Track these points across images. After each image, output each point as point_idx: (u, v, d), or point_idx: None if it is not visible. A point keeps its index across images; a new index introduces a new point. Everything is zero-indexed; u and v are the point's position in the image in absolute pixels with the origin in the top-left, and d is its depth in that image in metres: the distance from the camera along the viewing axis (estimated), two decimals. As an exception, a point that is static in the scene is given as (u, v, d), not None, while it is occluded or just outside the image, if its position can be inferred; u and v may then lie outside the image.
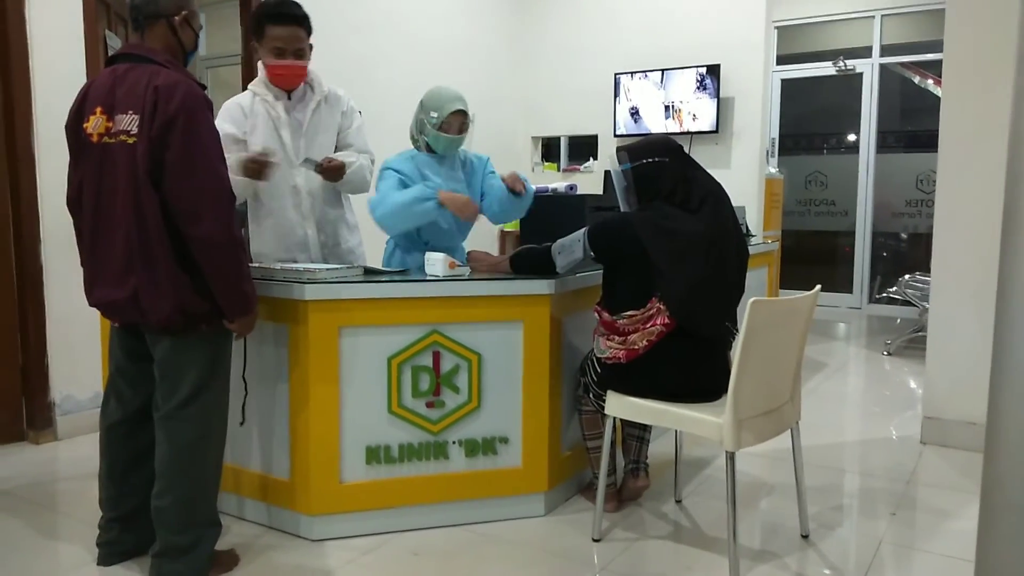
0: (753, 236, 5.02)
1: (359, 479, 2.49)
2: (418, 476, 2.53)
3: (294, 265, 2.69)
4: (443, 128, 2.85)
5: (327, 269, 2.54)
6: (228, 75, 6.23)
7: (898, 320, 6.89)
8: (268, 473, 2.56)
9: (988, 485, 0.66)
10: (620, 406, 2.40)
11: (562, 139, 6.90)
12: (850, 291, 7.60)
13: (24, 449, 3.38)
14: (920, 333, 5.42)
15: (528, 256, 2.62)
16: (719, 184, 2.45)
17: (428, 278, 2.57)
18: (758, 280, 4.79)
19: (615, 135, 6.37)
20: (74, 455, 3.31)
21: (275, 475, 2.54)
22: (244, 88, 4.51)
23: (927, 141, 7.01)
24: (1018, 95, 0.70)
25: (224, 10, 5.83)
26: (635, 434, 2.76)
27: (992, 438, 0.65)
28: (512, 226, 5.11)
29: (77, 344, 3.48)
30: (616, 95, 6.27)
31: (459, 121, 2.87)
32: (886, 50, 7.29)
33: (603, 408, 2.47)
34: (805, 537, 2.53)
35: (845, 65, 7.43)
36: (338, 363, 2.43)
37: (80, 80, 3.53)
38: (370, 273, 2.64)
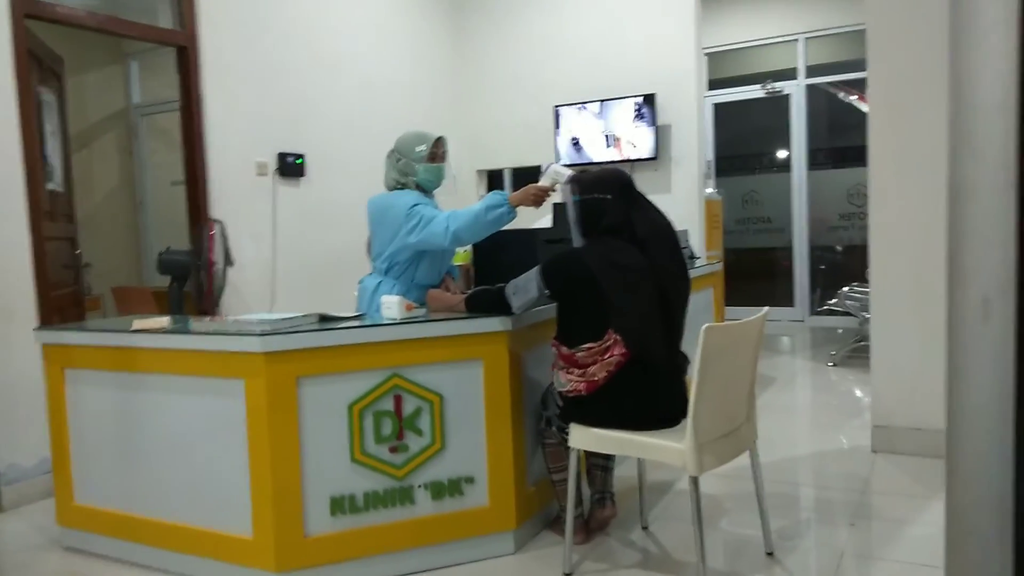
0: (698, 259, 5.13)
1: (324, 531, 2.44)
2: (385, 524, 2.50)
3: (247, 316, 2.65)
4: (432, 158, 3.04)
5: (281, 319, 2.51)
6: (165, 122, 6.13)
7: (839, 331, 7.11)
8: (228, 532, 2.49)
9: (951, 514, 0.69)
10: (584, 438, 2.42)
11: (506, 171, 6.97)
12: (792, 304, 7.81)
13: (-35, 523, 3.23)
14: (862, 343, 5.60)
15: (483, 297, 2.64)
16: (665, 218, 2.52)
17: (385, 322, 2.56)
18: (704, 301, 4.89)
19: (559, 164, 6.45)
20: (22, 526, 3.17)
21: (236, 533, 2.47)
22: (182, 134, 4.48)
23: (855, 156, 7.30)
24: (954, 92, 0.74)
25: (159, 57, 5.76)
26: (600, 464, 2.78)
27: (952, 466, 0.68)
28: (463, 258, 5.13)
29: (20, 409, 3.35)
30: (557, 126, 6.38)
31: (442, 149, 3.10)
32: (811, 71, 7.60)
33: (567, 440, 2.49)
34: (770, 555, 2.58)
35: (773, 87, 7.71)
36: (297, 414, 2.40)
37: (12, 135, 3.44)
38: (326, 320, 2.62)
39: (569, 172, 2.74)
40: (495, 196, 2.85)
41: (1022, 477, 0.66)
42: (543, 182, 2.84)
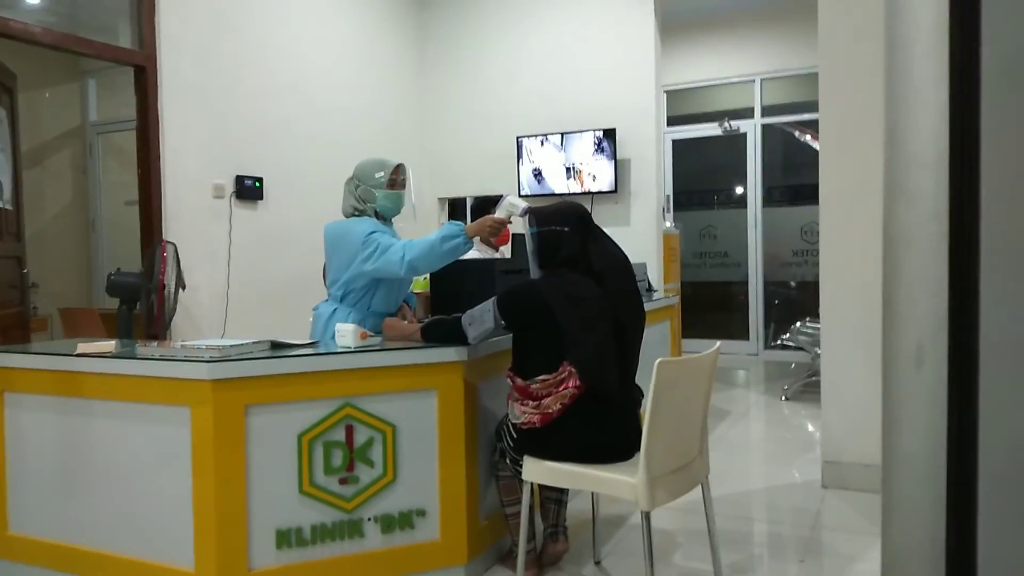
0: (655, 291, 5.18)
1: (269, 565, 2.38)
2: (332, 557, 2.44)
3: (196, 342, 2.60)
4: (391, 185, 3.02)
5: (231, 345, 2.47)
6: (121, 141, 6.03)
7: (792, 365, 7.22)
8: (170, 564, 2.41)
9: (886, 558, 0.70)
10: (538, 471, 2.41)
11: (468, 200, 6.99)
12: (747, 338, 7.92)
13: None
14: (814, 377, 5.69)
15: (439, 327, 2.63)
16: (622, 252, 2.54)
17: (339, 350, 2.53)
18: (661, 333, 4.93)
19: (520, 195, 6.50)
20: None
21: (178, 566, 2.39)
22: (138, 154, 4.41)
23: (809, 194, 7.49)
24: (889, 143, 0.76)
25: (117, 76, 5.68)
26: (553, 497, 2.77)
27: (887, 511, 0.69)
28: (422, 286, 5.12)
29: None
30: (519, 157, 6.43)
31: (401, 176, 3.07)
32: (767, 111, 7.80)
33: (520, 473, 2.47)
34: (721, 590, 2.58)
35: (730, 126, 7.89)
36: (244, 443, 2.35)
37: (-42, 152, 3.35)
38: (278, 347, 2.58)
39: (524, 204, 2.76)
40: (451, 227, 2.83)
41: (954, 523, 0.67)
42: (498, 214, 2.84)
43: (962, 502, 0.68)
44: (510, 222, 2.88)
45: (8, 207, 3.95)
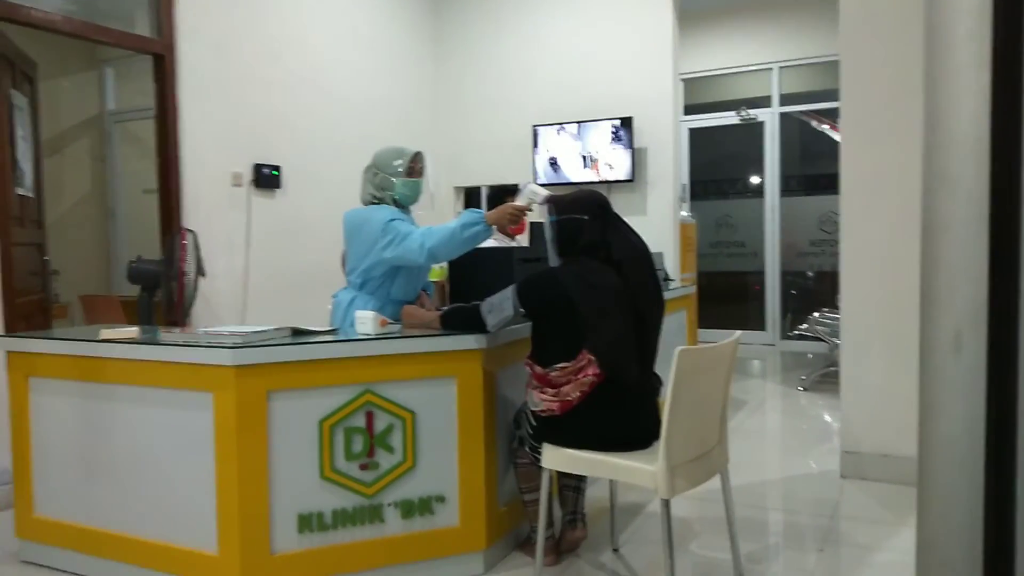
0: (672, 280, 5.17)
1: (291, 549, 2.40)
2: (353, 542, 2.47)
3: (218, 328, 2.62)
4: (410, 173, 3.03)
5: (253, 332, 2.49)
6: (138, 129, 6.06)
7: (810, 355, 7.18)
8: (193, 548, 2.44)
9: (922, 545, 0.70)
10: (557, 458, 2.42)
11: (483, 188, 6.98)
12: (763, 328, 7.89)
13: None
14: (831, 368, 5.66)
15: (458, 314, 2.63)
16: (642, 241, 2.54)
17: (359, 337, 2.55)
18: (678, 323, 4.92)
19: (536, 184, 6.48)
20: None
21: (201, 549, 2.42)
22: (157, 143, 4.43)
23: (826, 184, 7.43)
24: (929, 127, 0.76)
25: (133, 64, 5.70)
26: (571, 484, 2.78)
27: (923, 498, 0.69)
28: (438, 275, 5.12)
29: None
30: (535, 146, 6.42)
31: (419, 164, 3.09)
32: (785, 99, 7.73)
33: (539, 460, 2.48)
34: (740, 578, 2.58)
35: (747, 115, 7.83)
36: (266, 429, 2.37)
37: (-18, 140, 3.38)
38: (298, 334, 2.60)
39: (545, 192, 2.75)
40: (471, 214, 2.83)
41: (992, 509, 0.67)
42: (519, 201, 2.84)
43: (1000, 488, 0.67)
44: (530, 210, 2.88)
45: (30, 195, 3.99)
